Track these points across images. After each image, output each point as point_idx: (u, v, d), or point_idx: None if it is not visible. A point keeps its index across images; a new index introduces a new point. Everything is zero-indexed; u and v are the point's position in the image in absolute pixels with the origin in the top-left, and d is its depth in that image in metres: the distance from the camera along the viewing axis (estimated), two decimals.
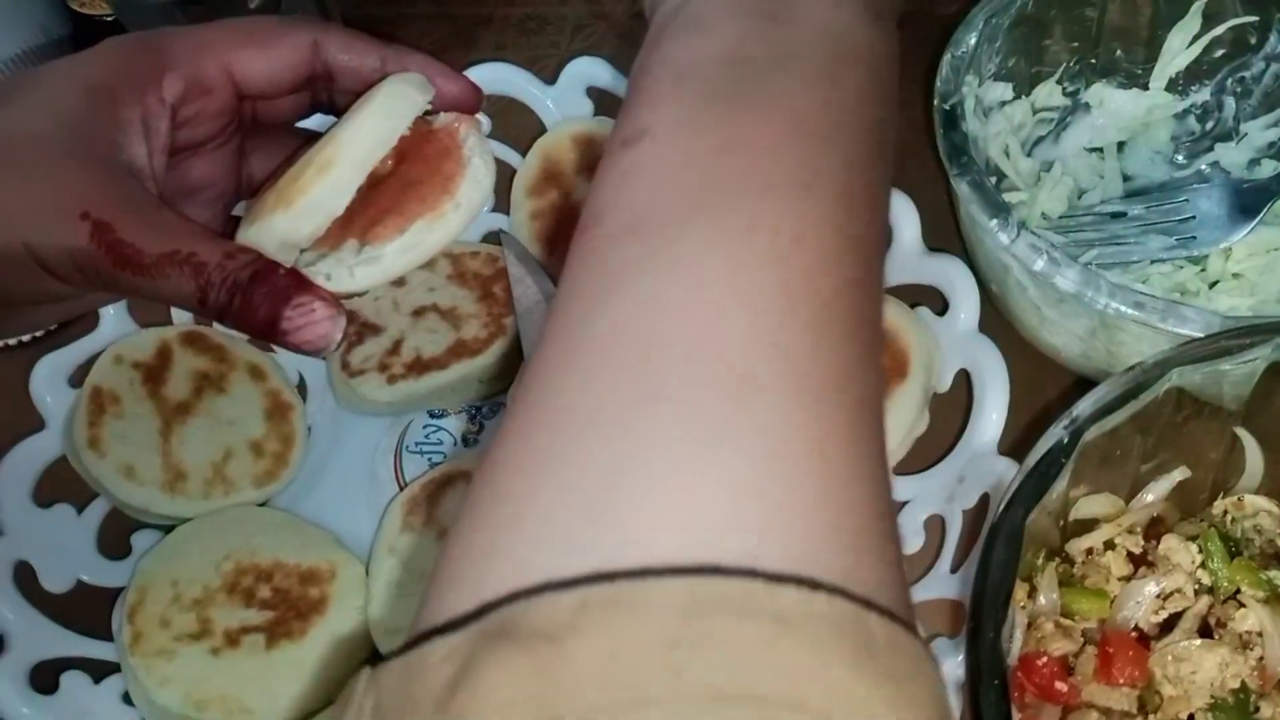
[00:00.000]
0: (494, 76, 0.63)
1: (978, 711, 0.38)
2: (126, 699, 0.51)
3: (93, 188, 0.36)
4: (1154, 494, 0.48)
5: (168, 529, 0.55)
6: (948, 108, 0.53)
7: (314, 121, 0.44)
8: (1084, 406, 0.43)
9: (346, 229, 0.38)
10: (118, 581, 0.54)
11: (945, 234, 0.58)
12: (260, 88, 0.41)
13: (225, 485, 0.56)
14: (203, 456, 0.56)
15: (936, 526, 0.52)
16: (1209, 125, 0.61)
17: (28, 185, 0.36)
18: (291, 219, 0.37)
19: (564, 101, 0.62)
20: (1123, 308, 0.47)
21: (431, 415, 0.60)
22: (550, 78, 0.63)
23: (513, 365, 0.59)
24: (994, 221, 0.49)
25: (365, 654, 0.52)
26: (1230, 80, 0.60)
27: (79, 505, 0.56)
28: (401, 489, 0.56)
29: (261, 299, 0.36)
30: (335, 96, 0.43)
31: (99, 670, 0.52)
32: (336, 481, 0.58)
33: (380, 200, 0.39)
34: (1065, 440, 0.42)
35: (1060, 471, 0.41)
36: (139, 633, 0.51)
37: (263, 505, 0.57)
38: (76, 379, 0.57)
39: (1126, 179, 0.62)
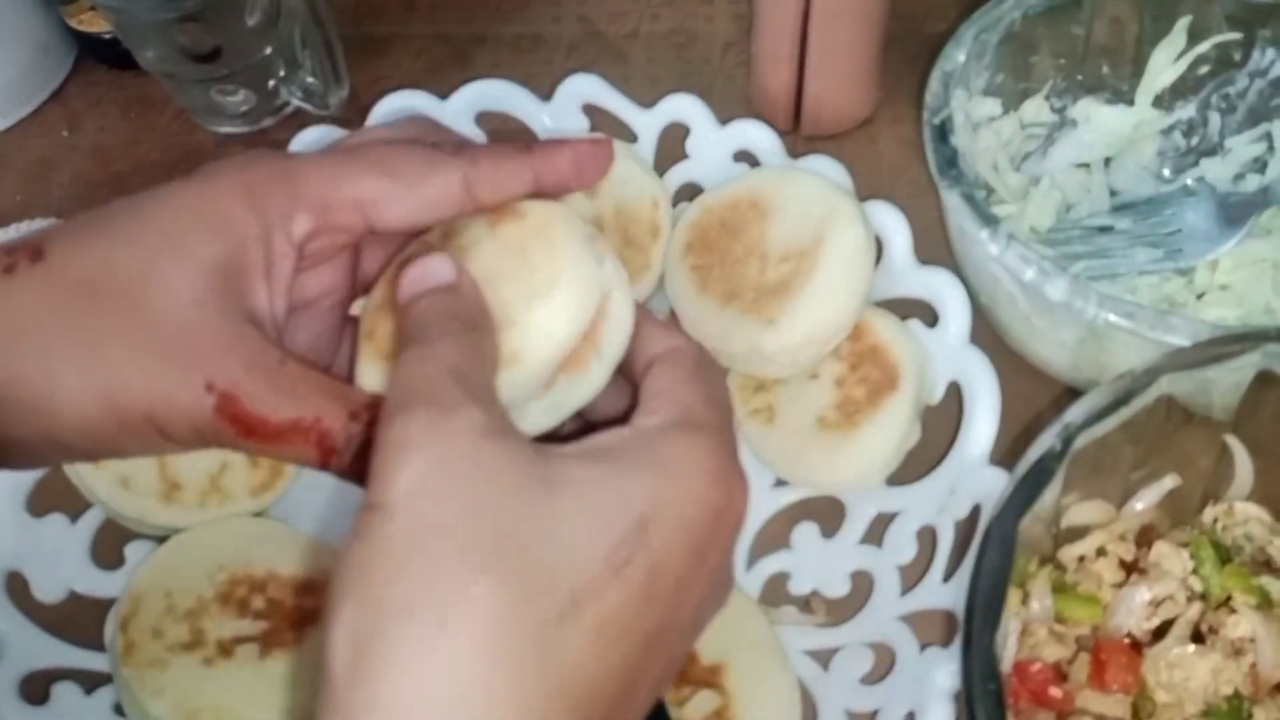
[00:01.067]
0: (490, 93, 0.63)
1: (973, 718, 0.38)
2: (118, 710, 0.51)
3: (218, 353, 0.34)
4: (1145, 501, 0.48)
5: (162, 539, 0.55)
6: (937, 122, 0.53)
7: None
8: (1075, 413, 0.43)
9: None
10: (111, 592, 0.54)
11: (935, 248, 0.58)
12: (397, 228, 0.37)
13: (221, 495, 0.56)
14: (199, 467, 0.56)
15: (928, 537, 0.53)
16: (1194, 140, 0.62)
17: (152, 352, 0.33)
18: None
19: (560, 118, 0.63)
20: (1112, 317, 0.48)
21: None
22: (546, 95, 0.63)
23: None
24: (984, 233, 0.50)
25: None
26: (1215, 96, 0.61)
27: (72, 515, 0.55)
28: None
29: None
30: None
31: (91, 681, 0.52)
32: (332, 493, 0.58)
33: None
34: (1057, 447, 0.42)
35: (1052, 478, 0.42)
36: (131, 643, 0.50)
37: (258, 515, 0.57)
38: None
39: (1113, 194, 0.63)
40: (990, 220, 0.50)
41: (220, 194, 0.36)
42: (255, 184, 0.36)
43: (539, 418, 0.35)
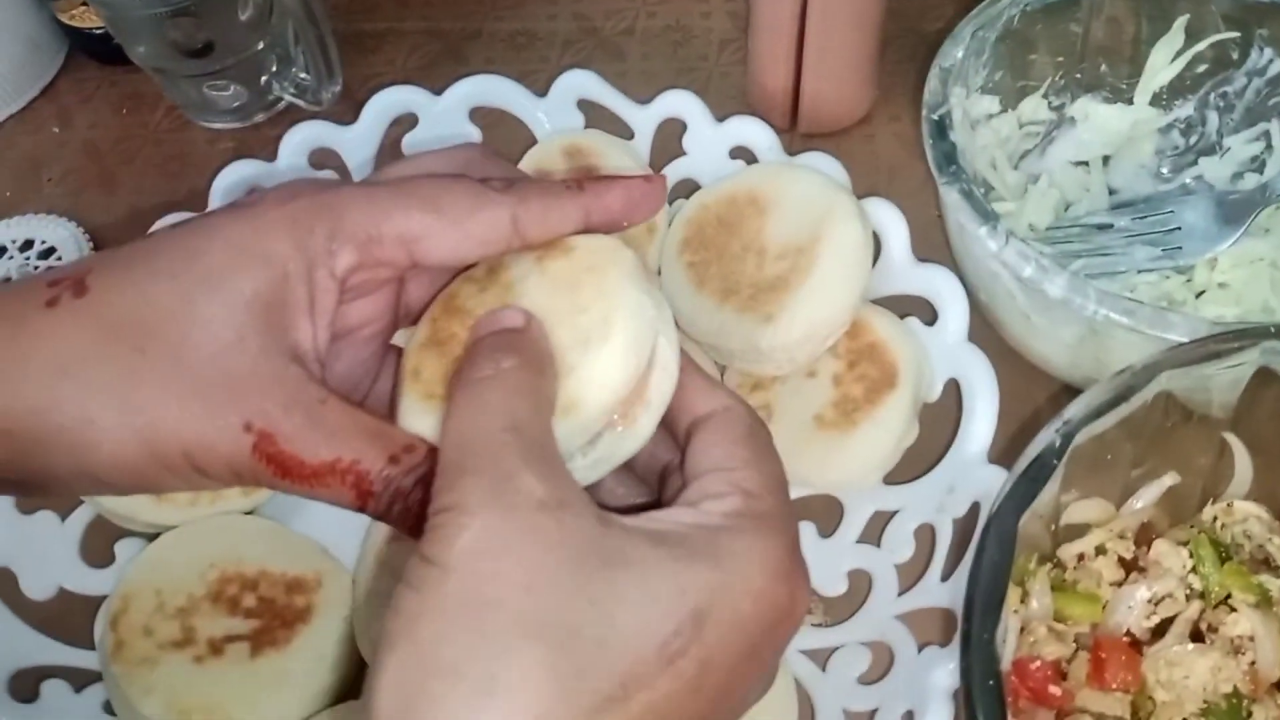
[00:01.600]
0: (485, 89, 0.63)
1: (973, 715, 0.38)
2: (108, 708, 0.50)
3: (256, 390, 0.33)
4: (1144, 499, 0.48)
5: (152, 537, 0.55)
6: (936, 118, 0.53)
7: None
8: (1075, 410, 0.43)
9: None
10: (101, 590, 0.53)
11: (933, 246, 0.58)
12: (442, 264, 0.37)
13: (212, 493, 0.55)
14: None
15: (926, 536, 0.52)
16: (1193, 139, 0.62)
17: (191, 392, 0.33)
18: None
19: (555, 114, 0.63)
20: (1111, 314, 0.48)
21: None
22: (541, 91, 0.63)
23: None
24: (983, 229, 0.50)
25: (351, 664, 0.52)
26: (1213, 95, 0.61)
27: (62, 513, 0.55)
28: None
29: (422, 504, 0.32)
30: None
31: (80, 679, 0.51)
32: None
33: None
34: (1057, 443, 0.42)
35: (1051, 474, 0.41)
36: (121, 641, 0.50)
37: (249, 514, 0.56)
38: None
39: (1112, 192, 0.62)
40: (989, 216, 0.50)
41: (263, 228, 0.35)
42: (298, 218, 0.35)
43: (584, 473, 0.33)
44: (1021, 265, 0.49)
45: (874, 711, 0.48)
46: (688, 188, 0.61)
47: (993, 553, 0.39)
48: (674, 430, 0.36)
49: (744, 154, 0.61)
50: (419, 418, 0.34)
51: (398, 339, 0.40)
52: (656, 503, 0.36)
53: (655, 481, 0.38)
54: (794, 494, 0.55)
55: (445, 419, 0.33)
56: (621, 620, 0.29)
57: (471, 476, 0.30)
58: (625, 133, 0.62)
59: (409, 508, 0.33)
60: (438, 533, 0.30)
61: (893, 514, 0.54)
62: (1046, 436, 0.42)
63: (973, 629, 0.39)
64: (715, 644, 0.30)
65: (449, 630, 0.28)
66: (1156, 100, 0.62)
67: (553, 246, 0.37)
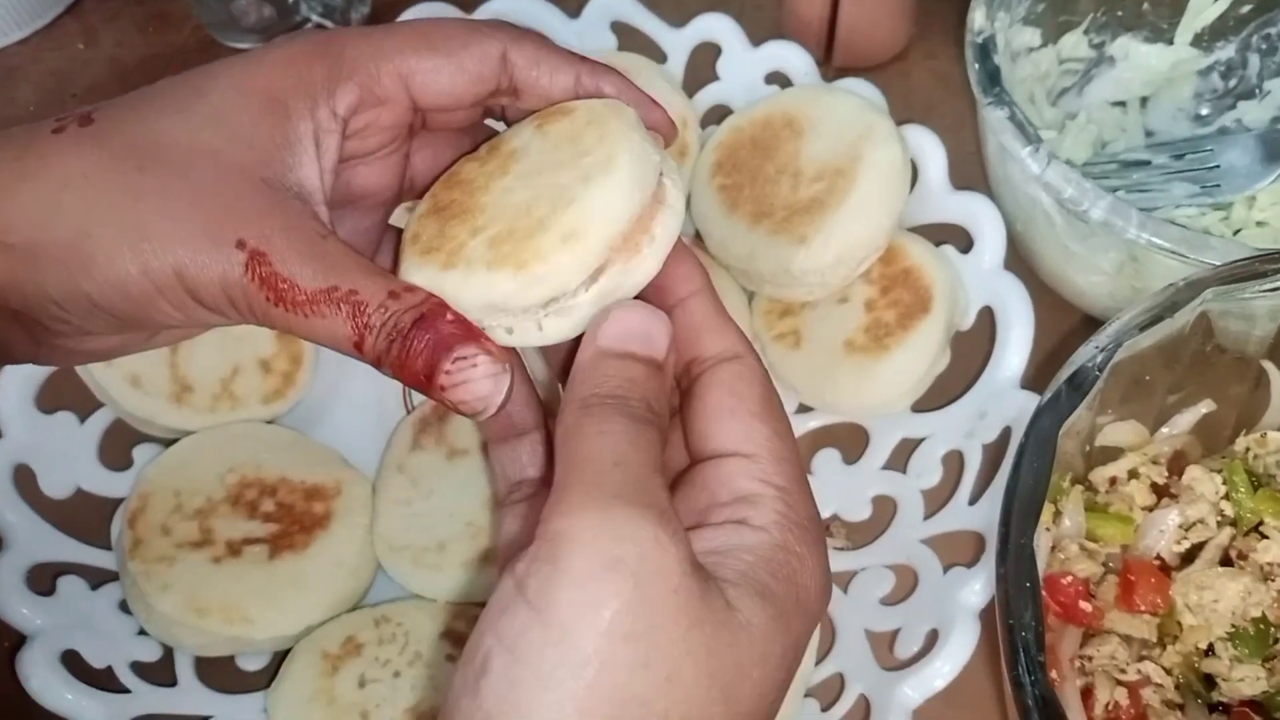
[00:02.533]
0: (517, 9, 0.62)
1: (1009, 619, 0.37)
2: (124, 607, 0.50)
3: (254, 212, 0.33)
4: (1179, 426, 0.47)
5: (170, 443, 0.54)
6: (980, 41, 0.52)
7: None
8: (1118, 323, 0.42)
9: None
10: (118, 492, 0.53)
11: (969, 182, 0.57)
12: (439, 102, 0.37)
13: (232, 401, 0.55)
14: (211, 370, 0.55)
15: (954, 461, 0.52)
16: (1232, 83, 0.61)
17: (187, 209, 0.32)
18: (521, 285, 0.32)
19: (588, 35, 0.62)
20: (1153, 238, 0.47)
21: None
22: (574, 12, 0.62)
23: None
24: (1026, 149, 0.49)
25: (370, 571, 0.51)
26: (1255, 37, 0.60)
27: (81, 414, 0.54)
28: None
29: (422, 346, 0.31)
30: (511, 111, 0.39)
31: (96, 577, 0.51)
32: (344, 406, 0.57)
33: None
34: (1099, 356, 0.42)
35: (1093, 385, 0.41)
36: (139, 539, 0.50)
37: (270, 424, 0.56)
38: None
39: (1148, 134, 0.62)
40: (1033, 138, 0.49)
41: (267, 69, 0.35)
42: (298, 58, 0.35)
43: (588, 305, 0.32)
44: (1063, 186, 0.48)
45: (896, 631, 0.48)
46: (720, 113, 0.60)
47: (1032, 458, 0.39)
48: (675, 366, 0.34)
49: (779, 80, 0.60)
50: (417, 272, 0.34)
51: (395, 219, 0.40)
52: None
53: None
54: (821, 421, 0.55)
55: (592, 427, 0.31)
56: (745, 705, 0.29)
57: (633, 511, 0.28)
58: (658, 56, 0.62)
59: (407, 350, 0.32)
60: (575, 585, 0.28)
61: (920, 441, 0.53)
62: (1089, 350, 0.42)
63: (1011, 533, 0.38)
64: (788, 681, 0.32)
65: None
66: (1198, 41, 0.61)
67: (552, 111, 0.36)
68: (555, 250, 0.32)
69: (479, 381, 0.31)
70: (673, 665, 0.28)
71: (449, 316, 0.32)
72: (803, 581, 0.31)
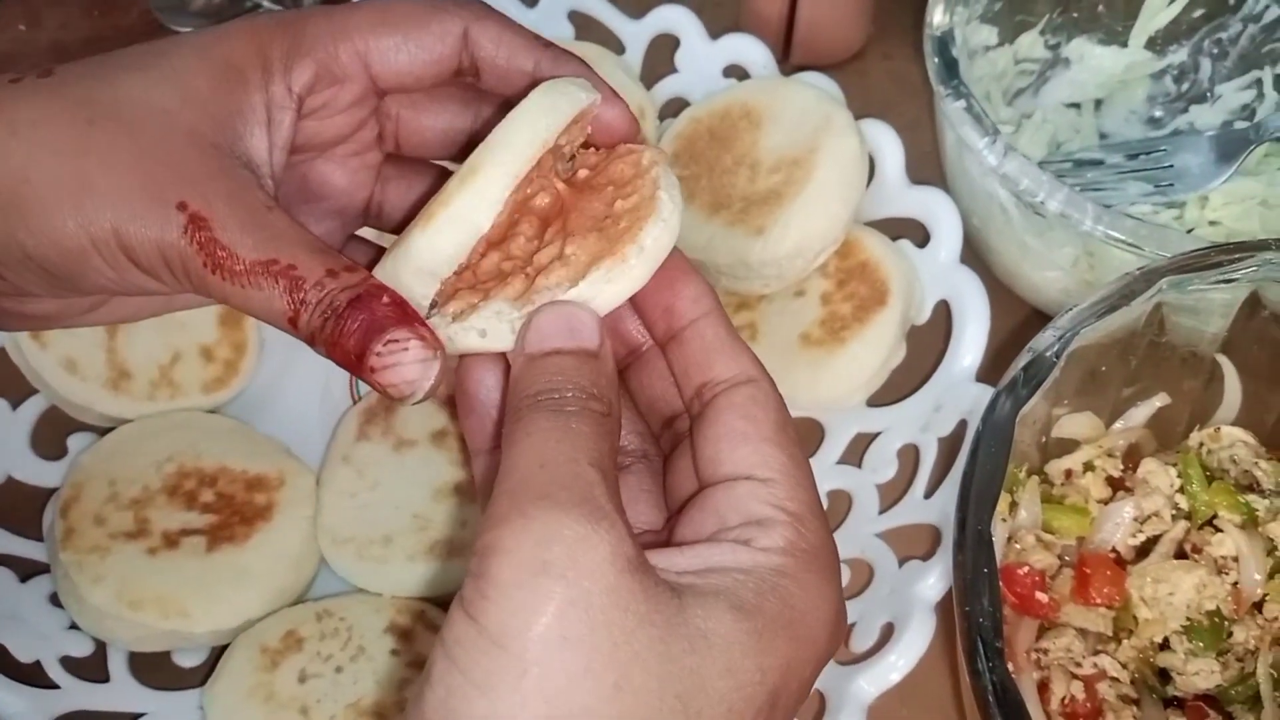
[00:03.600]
0: None
1: (967, 606, 0.37)
2: (55, 600, 0.48)
3: (200, 175, 0.32)
4: (1134, 419, 0.47)
5: (106, 432, 0.52)
6: (939, 34, 0.52)
7: None
8: (1074, 311, 0.42)
9: (505, 275, 0.32)
10: (50, 482, 0.51)
11: (926, 180, 0.57)
12: (398, 80, 0.36)
13: (172, 389, 0.53)
14: (150, 357, 0.53)
15: (909, 456, 0.51)
16: (1184, 86, 0.62)
17: (131, 167, 0.32)
18: (429, 238, 0.32)
19: (545, 25, 0.61)
20: (1109, 231, 0.47)
21: None
22: (530, 1, 0.62)
23: None
24: (984, 141, 0.49)
25: (313, 564, 0.50)
26: (1207, 41, 0.61)
27: (14, 401, 0.52)
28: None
29: (355, 327, 0.31)
30: (480, 120, 0.38)
31: (25, 569, 0.49)
32: (288, 396, 0.56)
33: (544, 237, 0.33)
34: (1056, 343, 0.41)
35: (1050, 371, 0.41)
36: (71, 528, 0.48)
37: (211, 413, 0.54)
38: None
39: (1102, 136, 0.62)
40: (991, 130, 0.49)
41: (230, 39, 0.35)
42: (260, 32, 0.35)
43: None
44: (1020, 178, 0.48)
45: (852, 626, 0.47)
46: (678, 106, 0.60)
47: (990, 443, 0.38)
48: (682, 382, 0.34)
49: (737, 73, 0.60)
50: (380, 267, 0.33)
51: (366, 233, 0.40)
52: (661, 459, 0.34)
53: (658, 426, 0.35)
54: None
55: (519, 432, 0.29)
56: (708, 718, 0.27)
57: (558, 512, 0.27)
58: (617, 47, 0.61)
59: (340, 329, 0.31)
60: (505, 594, 0.26)
61: (875, 435, 0.53)
62: (1046, 337, 0.42)
63: (968, 519, 0.38)
64: (781, 718, 0.29)
65: None
66: (1151, 44, 0.62)
67: None
68: (455, 191, 0.32)
69: (408, 365, 0.31)
70: (620, 670, 0.26)
71: (385, 299, 0.31)
72: (798, 605, 0.29)
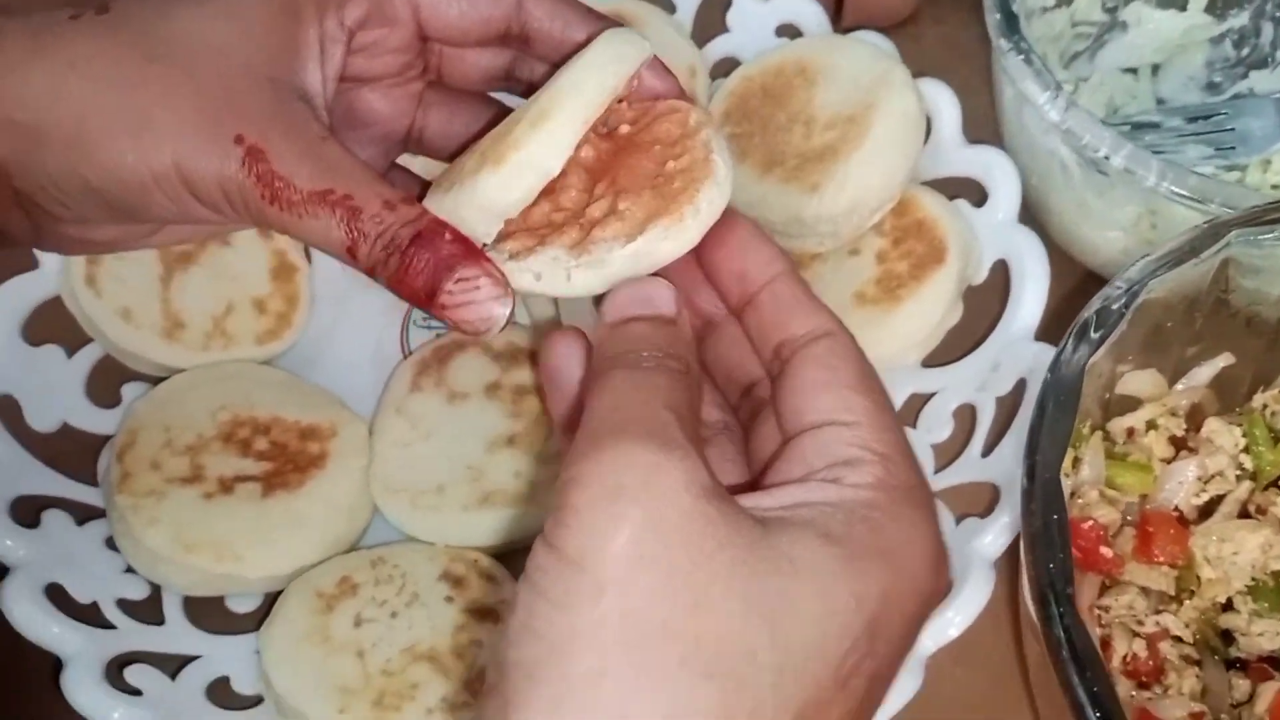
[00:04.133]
0: None
1: (1040, 555, 0.36)
2: (110, 545, 0.48)
3: (256, 109, 0.33)
4: (1197, 379, 0.47)
5: (159, 382, 0.52)
6: None
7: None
8: (1143, 262, 0.41)
9: (557, 225, 0.33)
10: (105, 429, 0.51)
11: (981, 140, 0.57)
12: (446, 33, 0.37)
13: (225, 339, 0.53)
14: (203, 307, 0.53)
15: (965, 416, 0.51)
16: (1245, 51, 0.61)
17: (190, 101, 0.33)
18: (501, 179, 0.32)
19: None
20: (1173, 187, 0.46)
21: None
22: None
23: None
24: (1045, 95, 0.48)
25: (367, 513, 0.50)
26: (1270, 4, 0.59)
27: (70, 349, 0.53)
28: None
29: (423, 265, 0.31)
30: (520, 65, 0.39)
31: (82, 513, 0.49)
32: (340, 350, 0.56)
33: (599, 189, 0.33)
34: (1123, 295, 0.41)
35: (1119, 323, 0.40)
36: (127, 472, 0.48)
37: (263, 365, 0.54)
38: None
39: (1159, 102, 0.61)
40: (1052, 85, 0.48)
41: None
42: None
43: (621, 263, 0.32)
44: (1083, 133, 0.47)
45: None
46: (729, 65, 0.59)
47: (1058, 391, 0.38)
48: (760, 345, 0.33)
49: (789, 32, 0.60)
50: (429, 200, 0.34)
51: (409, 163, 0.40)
52: (743, 432, 0.34)
53: (736, 396, 0.35)
54: None
55: (598, 387, 0.29)
56: (798, 641, 0.26)
57: (630, 441, 0.27)
58: (667, 5, 0.61)
59: (406, 267, 0.32)
60: (582, 520, 0.26)
61: (930, 396, 0.52)
62: (1116, 287, 0.41)
63: (1037, 468, 0.37)
64: (885, 655, 0.28)
65: (611, 666, 0.25)
66: (1211, 8, 0.61)
67: None
68: (526, 135, 0.32)
69: (483, 303, 0.32)
70: (699, 589, 0.26)
71: (448, 236, 0.32)
72: (892, 536, 0.28)
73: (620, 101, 0.35)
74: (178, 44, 0.33)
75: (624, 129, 0.35)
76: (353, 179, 0.32)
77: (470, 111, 0.40)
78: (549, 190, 0.33)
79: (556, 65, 0.36)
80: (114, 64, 0.33)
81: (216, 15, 0.34)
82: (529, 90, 0.37)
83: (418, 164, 0.41)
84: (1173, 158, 0.56)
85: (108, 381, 0.53)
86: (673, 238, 0.32)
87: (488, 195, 0.32)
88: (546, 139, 0.32)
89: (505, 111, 0.39)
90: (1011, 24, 0.50)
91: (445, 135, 0.40)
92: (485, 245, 0.33)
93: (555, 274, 0.32)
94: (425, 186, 0.37)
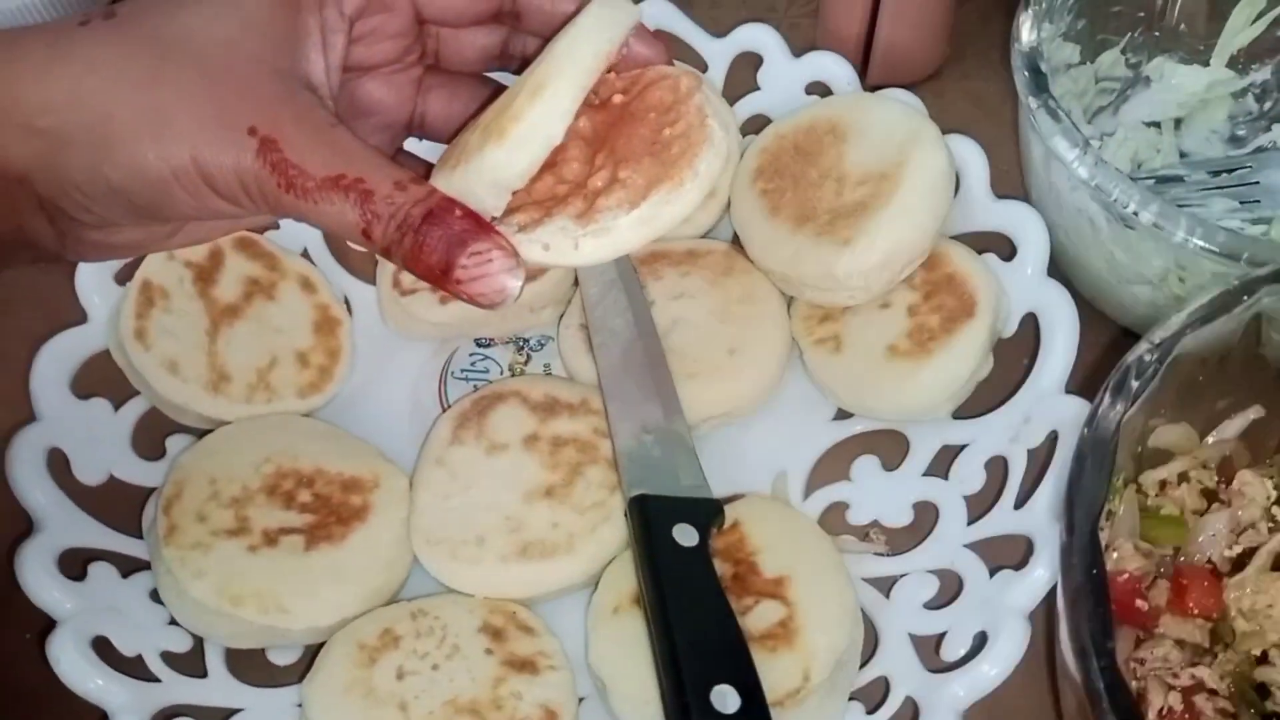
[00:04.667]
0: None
1: (1077, 609, 0.37)
2: (155, 597, 0.49)
3: (266, 100, 0.34)
4: (1229, 431, 0.47)
5: (203, 434, 0.53)
6: (1027, 49, 0.53)
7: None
8: (1176, 319, 0.42)
9: (561, 197, 0.34)
10: (150, 481, 0.52)
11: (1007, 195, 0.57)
12: (442, 14, 0.39)
13: (269, 392, 0.54)
14: (248, 360, 0.54)
15: (997, 468, 0.52)
16: (1267, 105, 0.62)
17: (204, 97, 0.34)
18: (506, 152, 0.33)
19: None
20: (1201, 242, 0.47)
21: (478, 344, 0.58)
22: None
23: (565, 295, 0.58)
24: (1074, 152, 0.49)
25: (406, 565, 0.51)
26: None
27: (116, 402, 0.54)
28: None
29: (436, 242, 0.33)
30: (514, 41, 0.41)
31: (127, 565, 0.50)
32: (380, 402, 0.57)
33: (599, 159, 0.34)
34: (1156, 351, 0.42)
35: (1154, 377, 0.41)
36: (174, 525, 0.49)
37: (305, 417, 0.55)
38: (122, 277, 0.55)
39: (1182, 155, 0.62)
40: (1082, 141, 0.49)
41: None
42: None
43: (627, 230, 0.33)
44: (1112, 189, 0.48)
45: (942, 635, 0.47)
46: (760, 123, 0.61)
47: (1096, 445, 0.39)
48: None
49: (819, 90, 0.61)
50: (435, 178, 0.35)
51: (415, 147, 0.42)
52: None
53: None
54: (861, 428, 0.55)
55: None
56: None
57: None
58: (699, 64, 0.62)
59: (420, 245, 0.33)
60: None
61: (961, 448, 0.53)
62: (1145, 346, 0.42)
63: (1076, 522, 0.38)
64: None
65: None
66: (1233, 63, 0.62)
67: None
68: (527, 106, 0.33)
69: (496, 276, 0.33)
70: None
71: (458, 212, 0.33)
72: None
73: (610, 72, 0.36)
74: (187, 42, 0.35)
75: (617, 99, 0.36)
76: (364, 163, 0.34)
77: (469, 92, 0.42)
78: (551, 163, 0.34)
79: (548, 39, 0.37)
80: (129, 65, 0.34)
81: (220, 12, 0.36)
82: (523, 66, 0.39)
83: (422, 149, 0.43)
84: (1198, 211, 0.57)
85: (153, 434, 0.54)
86: (675, 202, 0.33)
87: (494, 169, 0.34)
88: (547, 107, 0.33)
89: (503, 90, 0.40)
90: (1040, 82, 0.52)
91: (447, 118, 0.42)
92: (494, 219, 0.34)
93: (563, 243, 0.33)
94: (430, 170, 0.38)
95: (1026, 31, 0.54)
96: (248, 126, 0.34)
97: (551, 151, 0.34)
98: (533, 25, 0.39)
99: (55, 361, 0.52)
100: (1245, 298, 0.43)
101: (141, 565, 0.50)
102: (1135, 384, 0.41)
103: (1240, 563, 0.46)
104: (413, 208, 0.33)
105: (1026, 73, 0.52)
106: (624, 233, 0.33)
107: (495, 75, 0.43)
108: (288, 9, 0.36)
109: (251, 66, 0.35)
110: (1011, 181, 0.60)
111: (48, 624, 0.46)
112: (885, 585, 0.50)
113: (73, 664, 0.45)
